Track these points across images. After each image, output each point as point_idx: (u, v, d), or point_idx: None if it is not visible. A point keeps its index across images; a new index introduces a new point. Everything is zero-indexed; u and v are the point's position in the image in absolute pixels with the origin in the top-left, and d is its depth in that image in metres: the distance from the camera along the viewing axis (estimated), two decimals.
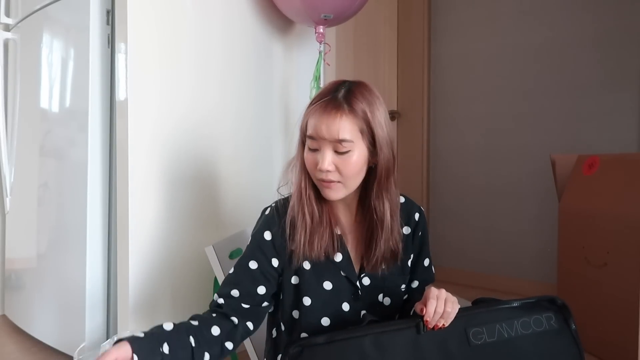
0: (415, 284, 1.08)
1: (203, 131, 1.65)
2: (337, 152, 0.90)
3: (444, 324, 0.86)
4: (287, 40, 2.00)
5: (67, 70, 1.64)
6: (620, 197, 1.63)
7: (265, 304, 0.98)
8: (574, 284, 1.80)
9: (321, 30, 1.80)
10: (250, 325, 0.96)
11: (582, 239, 1.76)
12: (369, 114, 0.91)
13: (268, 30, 1.91)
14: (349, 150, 0.90)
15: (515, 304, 0.93)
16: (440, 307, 0.84)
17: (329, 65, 1.97)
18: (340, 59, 2.33)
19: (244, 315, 0.95)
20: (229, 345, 0.93)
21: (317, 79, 1.85)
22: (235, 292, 0.94)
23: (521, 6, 2.49)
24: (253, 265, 0.96)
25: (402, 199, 1.05)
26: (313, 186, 0.97)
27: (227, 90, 1.74)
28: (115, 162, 1.51)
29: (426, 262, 1.09)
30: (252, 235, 1.00)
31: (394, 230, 0.98)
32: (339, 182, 0.92)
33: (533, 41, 2.44)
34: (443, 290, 0.87)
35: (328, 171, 0.90)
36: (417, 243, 1.06)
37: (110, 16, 1.54)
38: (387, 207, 0.96)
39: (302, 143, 0.97)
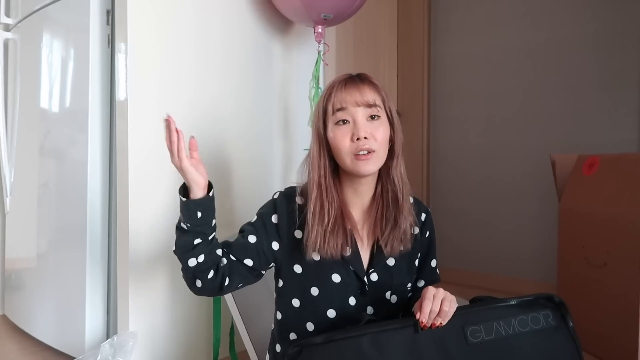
0: (421, 283, 1.09)
1: (202, 131, 1.65)
2: (370, 117, 0.95)
3: (441, 323, 0.87)
4: (286, 40, 2.01)
5: (67, 70, 1.65)
6: (620, 197, 1.63)
7: (248, 275, 1.00)
8: (574, 284, 1.80)
9: (320, 30, 1.80)
10: (226, 280, 0.97)
11: (582, 239, 1.76)
12: (384, 93, 0.99)
13: (267, 30, 1.91)
14: (380, 116, 0.96)
15: (512, 302, 0.93)
16: (436, 306, 0.85)
17: (327, 65, 1.98)
18: (340, 59, 2.33)
19: (229, 264, 0.98)
20: (215, 270, 0.98)
21: (316, 79, 1.85)
22: (230, 245, 1.00)
23: (521, 7, 2.49)
24: (252, 239, 0.98)
25: (411, 199, 1.06)
26: (332, 175, 0.98)
27: (227, 91, 1.74)
28: (115, 162, 1.51)
29: (433, 262, 1.11)
30: (259, 214, 1.02)
31: (409, 208, 1.01)
32: (374, 151, 0.94)
33: (533, 41, 2.44)
34: (441, 290, 0.88)
35: (365, 138, 0.93)
36: (425, 243, 1.09)
37: (110, 16, 1.54)
38: (405, 179, 1.01)
39: (320, 129, 0.98)
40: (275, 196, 1.03)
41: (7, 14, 1.97)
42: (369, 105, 0.95)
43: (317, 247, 0.95)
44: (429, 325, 0.86)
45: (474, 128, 2.66)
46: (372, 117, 0.95)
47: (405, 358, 0.85)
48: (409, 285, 1.05)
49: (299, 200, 1.00)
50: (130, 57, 1.43)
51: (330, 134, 0.96)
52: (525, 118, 2.47)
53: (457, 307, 0.88)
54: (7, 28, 2.00)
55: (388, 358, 0.85)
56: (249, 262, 0.99)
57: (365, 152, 0.93)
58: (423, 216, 1.09)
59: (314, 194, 0.96)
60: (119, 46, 1.45)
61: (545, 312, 0.93)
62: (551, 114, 2.39)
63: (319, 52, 1.85)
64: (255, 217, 1.02)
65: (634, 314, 1.50)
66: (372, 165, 0.95)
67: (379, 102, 0.96)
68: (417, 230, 1.06)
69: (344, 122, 0.95)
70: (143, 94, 1.47)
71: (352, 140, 0.94)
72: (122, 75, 1.44)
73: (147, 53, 1.48)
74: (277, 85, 1.96)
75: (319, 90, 1.86)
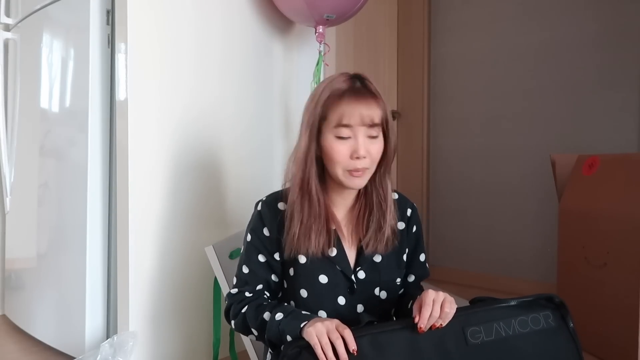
0: (411, 278, 1.11)
1: (202, 130, 1.65)
2: (369, 137, 0.95)
3: (441, 324, 0.87)
4: (286, 40, 2.01)
5: (67, 70, 1.64)
6: (620, 197, 1.63)
7: (278, 290, 1.04)
8: (574, 284, 1.80)
9: (321, 30, 1.80)
10: None
11: (582, 239, 1.76)
12: (384, 103, 0.98)
13: (268, 30, 1.91)
14: (378, 135, 0.96)
15: (512, 303, 0.93)
16: (436, 311, 0.86)
17: (327, 65, 1.98)
18: (340, 59, 2.33)
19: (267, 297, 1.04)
20: None
21: (317, 79, 1.85)
22: (259, 287, 1.01)
23: (521, 6, 2.49)
24: (261, 258, 1.01)
25: (396, 195, 1.08)
26: (318, 177, 0.98)
27: (227, 91, 1.74)
28: (115, 162, 1.51)
29: (422, 257, 1.12)
30: (252, 231, 1.02)
31: (392, 210, 1.03)
32: (367, 168, 0.96)
33: (533, 41, 2.44)
34: (440, 293, 0.88)
35: (364, 157, 0.94)
36: (412, 238, 1.10)
37: (110, 16, 1.54)
38: (389, 182, 1.03)
39: (314, 132, 0.96)
40: (259, 207, 1.03)
41: (7, 14, 1.97)
42: (372, 125, 0.95)
43: (295, 247, 0.96)
44: (426, 329, 0.86)
45: (474, 128, 2.66)
46: (371, 136, 0.96)
47: (405, 359, 0.85)
48: (399, 280, 1.06)
49: (281, 206, 1.01)
50: (130, 57, 1.43)
51: (326, 142, 0.96)
52: (525, 118, 2.47)
53: (457, 308, 0.88)
54: (7, 28, 2.00)
55: (388, 359, 0.85)
56: (275, 277, 1.02)
57: (363, 168, 0.95)
58: (409, 212, 1.09)
59: (294, 194, 0.97)
60: (119, 46, 1.45)
61: (545, 312, 0.93)
62: (551, 114, 2.39)
63: (320, 53, 1.85)
64: (250, 236, 1.02)
65: (634, 314, 1.50)
66: (362, 181, 0.97)
67: (380, 119, 0.96)
68: (402, 225, 1.07)
69: (345, 137, 0.95)
70: (143, 94, 1.47)
71: (350, 157, 0.94)
72: (122, 75, 1.44)
73: (147, 53, 1.48)
74: (277, 85, 1.96)
75: None
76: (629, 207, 1.59)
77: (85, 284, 1.53)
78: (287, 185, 1.02)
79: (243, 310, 0.97)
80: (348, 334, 0.82)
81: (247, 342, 1.32)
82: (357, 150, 0.93)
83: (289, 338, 0.88)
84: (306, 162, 0.97)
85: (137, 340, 1.43)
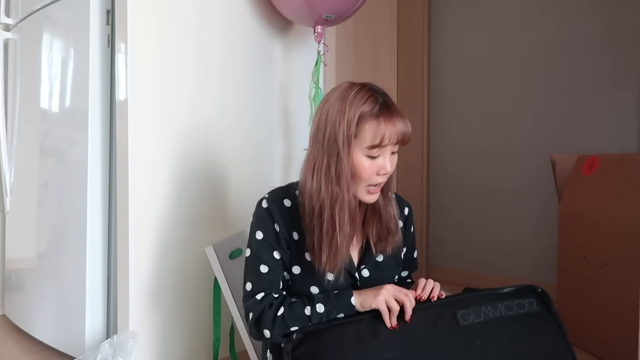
0: (404, 273, 1.18)
1: (202, 131, 1.65)
2: (391, 153, 0.98)
3: (432, 297, 0.97)
4: (286, 40, 2.01)
5: (67, 70, 1.65)
6: (620, 197, 1.63)
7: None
8: (574, 284, 1.80)
9: (319, 30, 1.80)
10: None
11: (582, 239, 1.76)
12: None
13: (267, 30, 1.91)
14: (398, 150, 1.00)
15: (499, 291, 1.02)
16: (427, 290, 0.98)
17: (326, 65, 1.98)
18: (340, 59, 2.33)
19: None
20: None
21: (316, 79, 1.85)
22: (281, 284, 1.01)
23: (521, 6, 2.49)
24: (277, 255, 1.00)
25: (393, 195, 1.11)
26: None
27: (227, 91, 1.74)
28: (115, 162, 1.51)
29: (415, 254, 1.20)
30: (263, 228, 1.00)
31: (395, 211, 1.07)
32: (382, 182, 0.99)
33: (533, 41, 2.44)
34: (430, 280, 1.01)
35: (385, 174, 0.97)
36: (410, 237, 1.15)
37: (110, 16, 1.55)
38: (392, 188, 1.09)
39: (346, 147, 0.93)
40: (265, 204, 1.01)
41: (7, 14, 1.97)
42: (404, 143, 0.97)
43: (329, 265, 0.97)
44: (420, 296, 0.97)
45: (474, 128, 2.66)
46: (393, 152, 0.98)
47: (400, 340, 0.91)
48: (396, 276, 1.13)
49: (287, 203, 1.01)
50: (130, 57, 1.43)
51: (355, 159, 0.94)
52: (525, 118, 2.47)
53: (449, 295, 0.99)
54: (7, 28, 2.00)
55: (384, 340, 0.91)
56: (287, 275, 1.03)
57: (381, 184, 0.99)
58: (406, 210, 1.15)
59: (337, 210, 0.94)
60: (119, 46, 1.45)
61: (529, 299, 1.00)
62: (551, 114, 2.39)
63: (318, 53, 1.85)
64: (261, 234, 1.00)
65: (634, 314, 1.50)
66: (377, 196, 1.00)
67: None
68: (401, 224, 1.11)
69: (375, 157, 0.95)
70: (143, 94, 1.47)
71: (377, 173, 0.96)
72: (122, 75, 1.44)
73: (147, 53, 1.48)
74: (277, 85, 1.96)
75: (319, 90, 1.86)
76: (629, 207, 1.59)
77: (85, 284, 1.53)
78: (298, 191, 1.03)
79: (279, 313, 0.95)
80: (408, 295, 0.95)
81: (247, 342, 1.32)
82: (385, 167, 0.96)
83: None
84: (347, 178, 0.95)
85: (137, 340, 1.43)
